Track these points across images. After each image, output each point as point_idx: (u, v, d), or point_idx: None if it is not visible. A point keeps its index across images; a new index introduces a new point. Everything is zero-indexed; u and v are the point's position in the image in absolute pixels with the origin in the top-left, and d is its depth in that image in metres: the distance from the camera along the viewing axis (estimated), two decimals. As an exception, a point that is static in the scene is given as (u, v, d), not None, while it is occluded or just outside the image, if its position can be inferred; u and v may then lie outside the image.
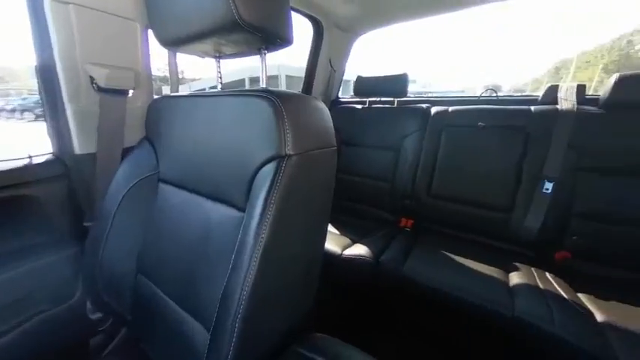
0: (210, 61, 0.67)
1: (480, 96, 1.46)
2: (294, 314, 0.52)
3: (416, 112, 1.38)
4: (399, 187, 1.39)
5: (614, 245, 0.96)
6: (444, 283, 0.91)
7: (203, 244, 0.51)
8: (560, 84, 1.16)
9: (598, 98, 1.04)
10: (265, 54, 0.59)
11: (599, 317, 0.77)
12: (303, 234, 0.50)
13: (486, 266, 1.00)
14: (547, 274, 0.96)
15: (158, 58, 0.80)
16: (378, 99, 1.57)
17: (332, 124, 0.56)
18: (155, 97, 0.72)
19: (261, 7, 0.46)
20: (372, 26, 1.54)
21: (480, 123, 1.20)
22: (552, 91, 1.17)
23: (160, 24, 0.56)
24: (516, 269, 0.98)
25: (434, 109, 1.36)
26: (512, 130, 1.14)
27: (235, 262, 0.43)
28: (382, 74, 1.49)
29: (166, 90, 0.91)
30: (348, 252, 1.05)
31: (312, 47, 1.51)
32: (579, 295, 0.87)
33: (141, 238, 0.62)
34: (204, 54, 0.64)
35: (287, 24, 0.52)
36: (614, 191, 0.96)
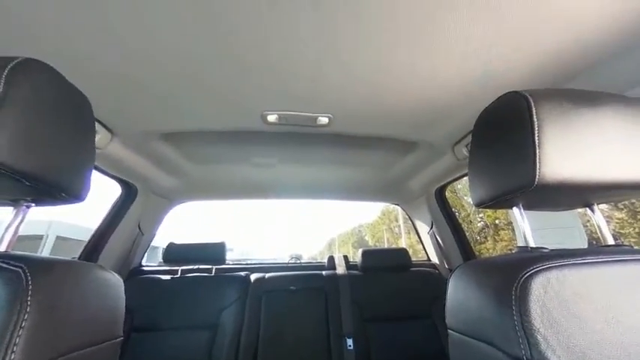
0: None
1: (289, 263, 1.73)
2: None
3: (235, 280, 1.36)
4: None
5: None
6: None
7: None
8: (335, 255, 1.64)
9: (357, 264, 1.53)
10: (29, 208, 0.43)
11: None
12: None
13: None
14: None
15: None
16: (195, 267, 1.44)
17: (123, 304, 0.43)
18: None
19: (44, 155, 0.36)
20: (192, 197, 1.63)
21: (291, 287, 1.35)
22: (331, 259, 1.61)
23: None
24: None
25: (253, 276, 1.41)
26: (314, 290, 1.37)
27: None
28: (195, 242, 1.45)
29: None
30: None
31: (115, 208, 1.29)
32: None
33: None
34: None
35: (84, 182, 0.44)
36: (386, 334, 1.25)
